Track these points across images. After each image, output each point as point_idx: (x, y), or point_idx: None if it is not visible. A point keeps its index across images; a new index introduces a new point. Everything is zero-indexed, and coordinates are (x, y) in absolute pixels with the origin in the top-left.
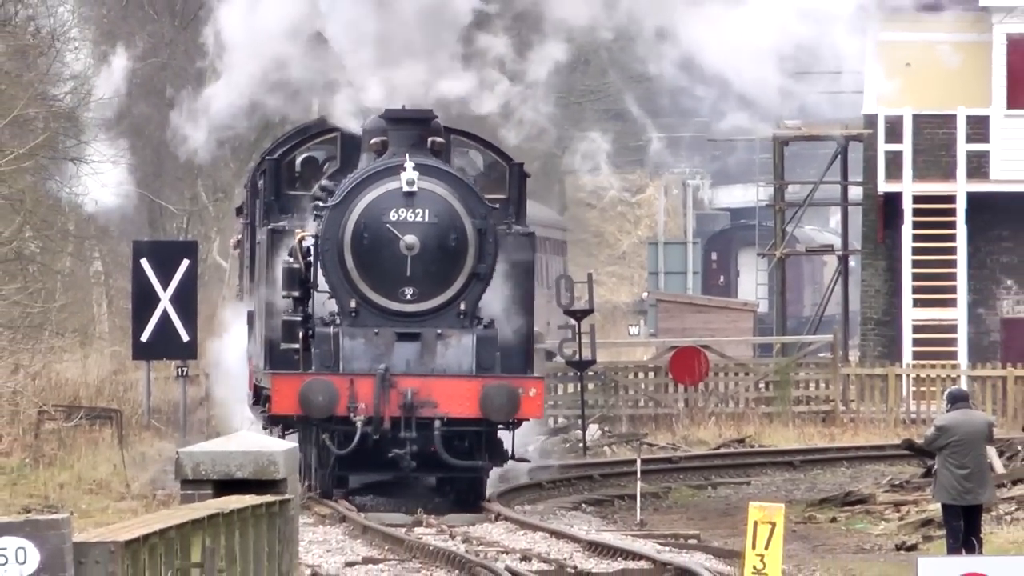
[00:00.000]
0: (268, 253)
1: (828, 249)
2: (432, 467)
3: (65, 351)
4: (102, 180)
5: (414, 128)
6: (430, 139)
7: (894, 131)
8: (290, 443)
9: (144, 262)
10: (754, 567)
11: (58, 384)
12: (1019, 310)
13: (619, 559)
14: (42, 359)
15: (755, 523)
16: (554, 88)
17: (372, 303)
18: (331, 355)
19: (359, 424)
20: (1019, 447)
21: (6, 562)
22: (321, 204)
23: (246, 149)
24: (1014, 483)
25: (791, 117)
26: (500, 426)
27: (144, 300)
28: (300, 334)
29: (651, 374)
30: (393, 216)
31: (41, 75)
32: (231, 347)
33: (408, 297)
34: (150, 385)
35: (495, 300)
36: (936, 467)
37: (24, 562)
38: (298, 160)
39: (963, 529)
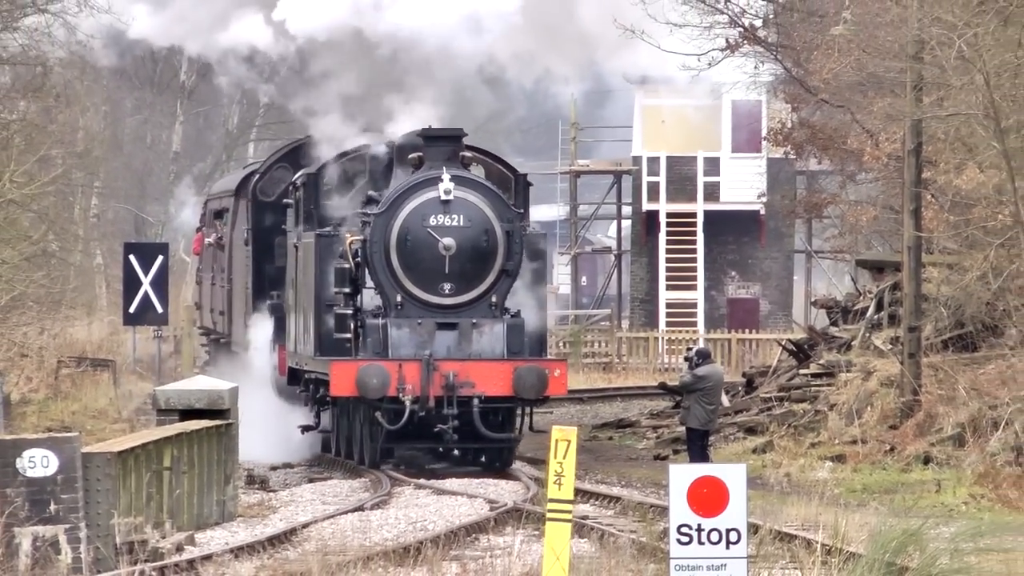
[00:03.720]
0: (317, 256)
1: (608, 250)
2: (470, 439)
3: (76, 319)
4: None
5: (447, 144)
6: (460, 153)
7: (653, 167)
8: (233, 384)
9: (132, 257)
10: (555, 472)
11: (71, 342)
12: (740, 292)
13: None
14: (60, 325)
15: (556, 440)
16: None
17: (415, 297)
18: (380, 343)
19: (408, 403)
20: (739, 388)
21: (35, 465)
22: (368, 212)
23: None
24: (736, 412)
25: (581, 158)
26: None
27: (131, 283)
28: (352, 325)
29: None
30: (433, 221)
31: (61, 126)
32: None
33: (447, 291)
34: (135, 343)
35: (517, 293)
36: (689, 403)
37: (47, 466)
38: (333, 175)
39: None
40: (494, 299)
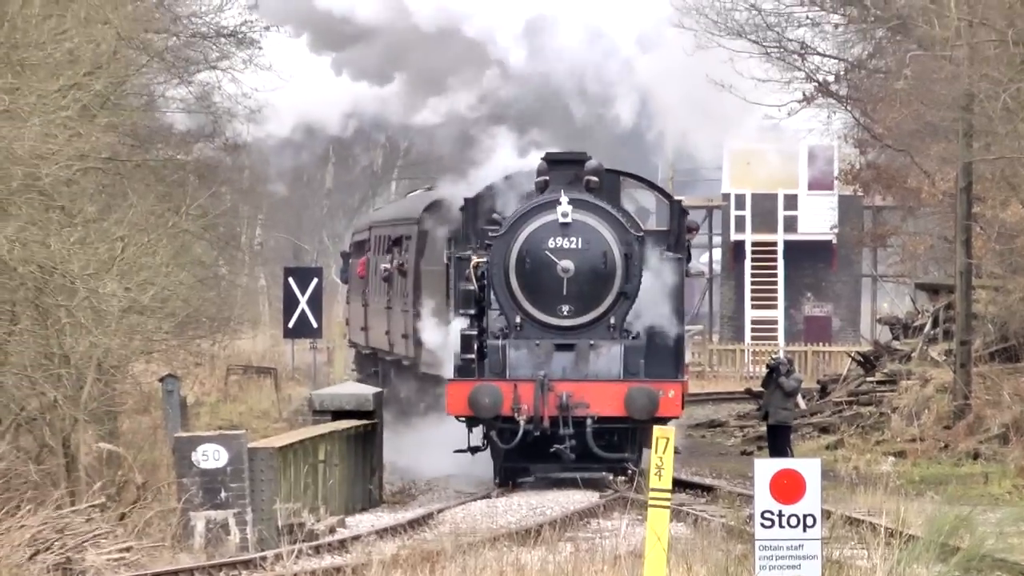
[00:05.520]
0: (456, 278)
1: (701, 274)
2: (587, 459)
3: (242, 333)
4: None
5: (570, 168)
6: (586, 178)
7: (740, 203)
8: (377, 388)
9: (290, 279)
10: (656, 465)
11: (238, 352)
12: (815, 311)
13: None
14: (229, 338)
15: (657, 438)
16: None
17: (534, 318)
18: (499, 363)
19: (522, 423)
20: (814, 393)
21: (208, 459)
22: (491, 234)
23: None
24: (812, 415)
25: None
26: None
27: (290, 302)
28: (476, 346)
29: None
30: (551, 244)
31: (229, 167)
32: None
33: (565, 313)
34: (293, 353)
35: (651, 313)
36: (786, 405)
37: (218, 459)
38: (491, 200)
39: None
40: (612, 320)
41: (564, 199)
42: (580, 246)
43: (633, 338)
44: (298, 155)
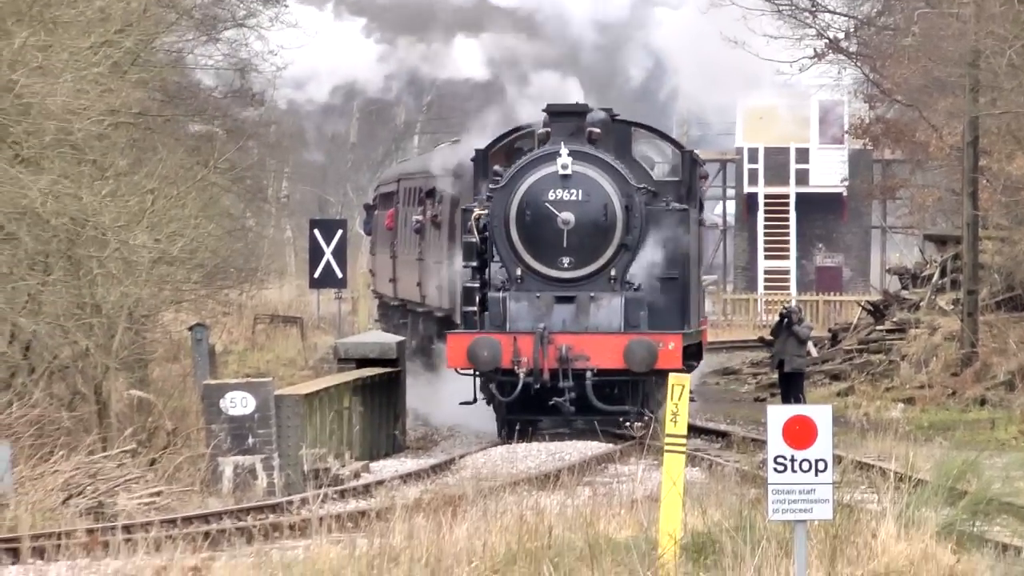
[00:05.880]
0: (459, 230)
1: (715, 226)
2: (587, 411)
3: (269, 283)
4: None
5: (571, 120)
6: (588, 129)
7: (753, 157)
8: (401, 337)
9: (316, 231)
10: (672, 411)
11: (265, 302)
12: (826, 261)
13: None
14: (256, 288)
15: (672, 385)
16: None
17: (535, 271)
18: (500, 316)
19: (522, 375)
20: (825, 342)
21: (236, 405)
22: (492, 187)
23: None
24: (823, 362)
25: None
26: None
27: (316, 253)
28: (477, 298)
29: None
30: (551, 196)
31: (256, 122)
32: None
33: (565, 265)
34: (319, 303)
35: (650, 265)
36: (800, 352)
37: (246, 406)
38: (501, 151)
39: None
40: (613, 273)
41: (564, 151)
42: (580, 198)
43: (635, 289)
44: (334, 118)
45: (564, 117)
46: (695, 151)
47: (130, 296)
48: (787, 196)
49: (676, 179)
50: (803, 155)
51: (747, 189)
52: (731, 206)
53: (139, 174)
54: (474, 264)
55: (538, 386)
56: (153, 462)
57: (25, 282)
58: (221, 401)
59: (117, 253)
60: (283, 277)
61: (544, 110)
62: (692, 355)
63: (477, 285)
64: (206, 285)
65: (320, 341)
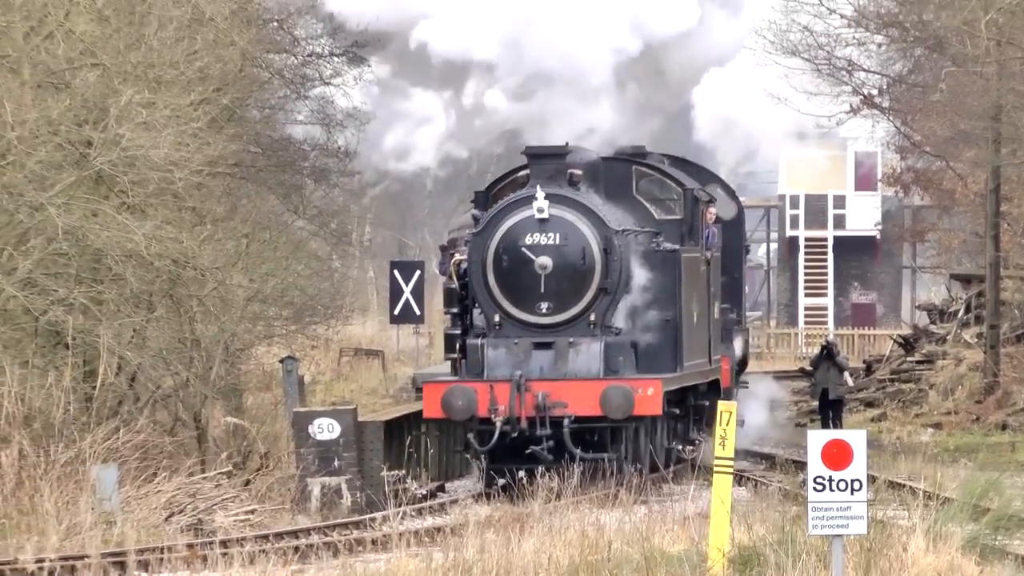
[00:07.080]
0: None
1: (760, 266)
2: (567, 459)
3: (353, 319)
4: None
5: (551, 162)
6: (569, 171)
7: (794, 202)
8: None
9: (396, 272)
10: (720, 435)
11: (350, 336)
12: (861, 298)
13: None
14: (341, 323)
15: (721, 412)
16: None
17: (513, 317)
18: (479, 363)
19: (498, 424)
20: (860, 372)
21: (323, 431)
22: (471, 231)
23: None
24: (859, 391)
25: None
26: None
27: (395, 292)
28: (458, 345)
29: None
30: (528, 240)
31: (341, 172)
32: None
33: (544, 311)
34: (399, 338)
35: (639, 307)
36: (841, 381)
37: (332, 431)
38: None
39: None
40: (592, 317)
41: (540, 194)
42: (558, 242)
43: (616, 334)
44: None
45: (543, 159)
46: (698, 189)
47: (226, 331)
48: (825, 239)
49: (678, 217)
50: (840, 201)
51: (789, 232)
52: (774, 248)
53: (234, 220)
54: (455, 311)
55: (515, 434)
56: (247, 483)
57: (131, 319)
58: (309, 427)
59: (215, 292)
60: (366, 314)
61: (523, 152)
62: (701, 394)
63: (459, 332)
64: (296, 321)
65: (400, 372)
